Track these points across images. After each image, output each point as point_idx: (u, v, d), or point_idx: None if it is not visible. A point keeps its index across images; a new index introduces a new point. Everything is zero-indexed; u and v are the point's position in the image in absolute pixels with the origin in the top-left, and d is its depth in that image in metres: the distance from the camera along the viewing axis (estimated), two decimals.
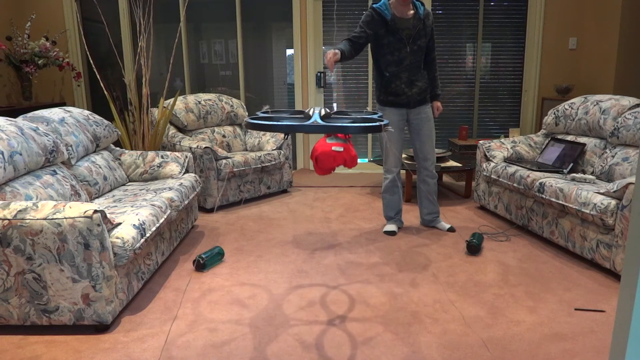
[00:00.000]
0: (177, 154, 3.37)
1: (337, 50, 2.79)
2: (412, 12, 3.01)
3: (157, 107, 4.64)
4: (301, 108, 5.22)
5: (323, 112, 1.87)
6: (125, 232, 2.14)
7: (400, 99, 3.07)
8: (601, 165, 3.13)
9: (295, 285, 2.54)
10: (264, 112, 2.05)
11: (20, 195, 2.21)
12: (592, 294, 2.42)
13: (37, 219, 1.95)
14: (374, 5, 2.98)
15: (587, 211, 2.61)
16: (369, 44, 3.10)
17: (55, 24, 5.03)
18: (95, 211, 1.98)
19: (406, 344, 1.99)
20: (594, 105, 3.38)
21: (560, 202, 2.82)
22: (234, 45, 5.21)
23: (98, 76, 4.49)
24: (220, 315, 2.24)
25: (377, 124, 1.71)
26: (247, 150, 4.50)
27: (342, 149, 2.47)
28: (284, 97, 5.34)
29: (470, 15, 5.08)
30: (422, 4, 3.06)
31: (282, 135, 4.32)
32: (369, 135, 5.34)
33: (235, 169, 3.84)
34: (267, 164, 4.08)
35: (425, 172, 3.27)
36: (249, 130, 4.60)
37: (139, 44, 4.13)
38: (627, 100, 3.22)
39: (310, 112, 1.87)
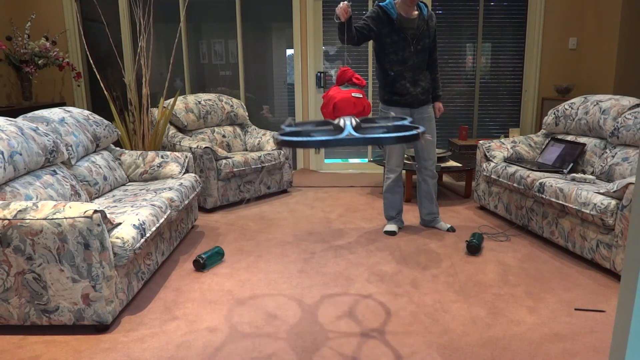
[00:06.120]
0: (177, 154, 3.37)
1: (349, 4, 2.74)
2: (416, 12, 3.03)
3: (157, 107, 4.64)
4: (301, 108, 5.22)
5: (354, 123, 1.78)
6: (125, 232, 2.14)
7: (405, 99, 3.08)
8: (601, 165, 3.13)
9: (295, 286, 2.54)
10: (288, 125, 1.98)
11: (20, 195, 2.21)
12: (592, 294, 2.42)
13: (37, 219, 1.95)
14: (381, 3, 3.00)
15: (587, 211, 2.61)
16: (372, 43, 3.10)
17: (55, 24, 5.03)
18: (95, 211, 1.98)
19: (406, 344, 1.99)
20: (594, 105, 3.38)
21: (560, 202, 2.82)
22: (234, 45, 5.21)
23: (98, 76, 4.49)
24: (220, 315, 2.24)
25: (414, 132, 1.58)
26: (247, 150, 4.50)
27: (361, 95, 2.43)
28: (284, 97, 5.34)
29: (470, 15, 5.08)
30: (426, 5, 3.08)
31: None
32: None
33: (235, 169, 3.84)
34: (267, 164, 4.08)
35: (426, 172, 3.28)
36: (249, 130, 4.60)
37: (139, 44, 4.13)
38: (627, 100, 3.22)
39: (341, 124, 1.77)
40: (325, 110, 2.50)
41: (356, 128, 1.77)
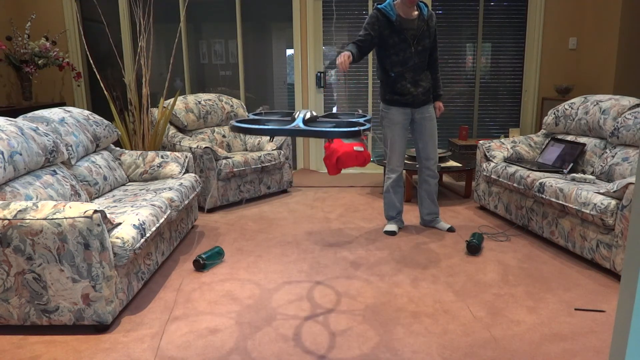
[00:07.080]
0: (177, 154, 3.37)
1: (349, 53, 2.80)
2: (416, 13, 3.02)
3: (157, 107, 4.64)
4: (300, 109, 5.22)
5: (308, 116, 1.86)
6: (125, 232, 2.14)
7: (406, 99, 3.09)
8: (601, 165, 3.13)
9: (295, 286, 2.54)
10: (256, 114, 2.06)
11: (20, 195, 2.21)
12: (592, 294, 2.42)
13: (37, 219, 1.95)
14: (379, 6, 3.00)
15: (587, 211, 2.61)
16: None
17: (55, 24, 5.02)
18: (95, 211, 1.98)
19: (406, 344, 1.99)
20: (594, 105, 3.38)
21: (560, 202, 2.82)
22: (234, 45, 5.21)
23: (98, 76, 4.49)
24: (220, 315, 2.24)
25: (357, 128, 1.69)
26: (247, 150, 4.50)
27: (362, 149, 2.48)
28: (284, 97, 5.34)
29: (470, 15, 5.08)
30: (426, 5, 3.08)
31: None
32: (370, 135, 5.34)
33: (235, 169, 3.84)
34: (267, 164, 4.08)
35: (427, 172, 3.28)
36: None
37: (139, 44, 4.13)
38: (627, 100, 3.22)
39: (295, 115, 1.87)
40: (328, 162, 2.52)
41: (308, 121, 1.86)
